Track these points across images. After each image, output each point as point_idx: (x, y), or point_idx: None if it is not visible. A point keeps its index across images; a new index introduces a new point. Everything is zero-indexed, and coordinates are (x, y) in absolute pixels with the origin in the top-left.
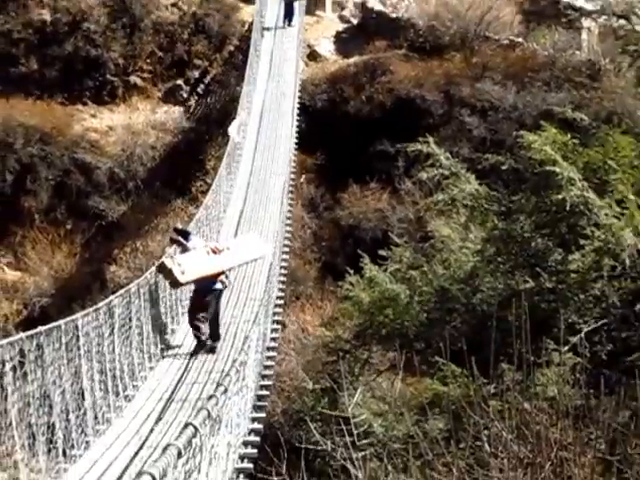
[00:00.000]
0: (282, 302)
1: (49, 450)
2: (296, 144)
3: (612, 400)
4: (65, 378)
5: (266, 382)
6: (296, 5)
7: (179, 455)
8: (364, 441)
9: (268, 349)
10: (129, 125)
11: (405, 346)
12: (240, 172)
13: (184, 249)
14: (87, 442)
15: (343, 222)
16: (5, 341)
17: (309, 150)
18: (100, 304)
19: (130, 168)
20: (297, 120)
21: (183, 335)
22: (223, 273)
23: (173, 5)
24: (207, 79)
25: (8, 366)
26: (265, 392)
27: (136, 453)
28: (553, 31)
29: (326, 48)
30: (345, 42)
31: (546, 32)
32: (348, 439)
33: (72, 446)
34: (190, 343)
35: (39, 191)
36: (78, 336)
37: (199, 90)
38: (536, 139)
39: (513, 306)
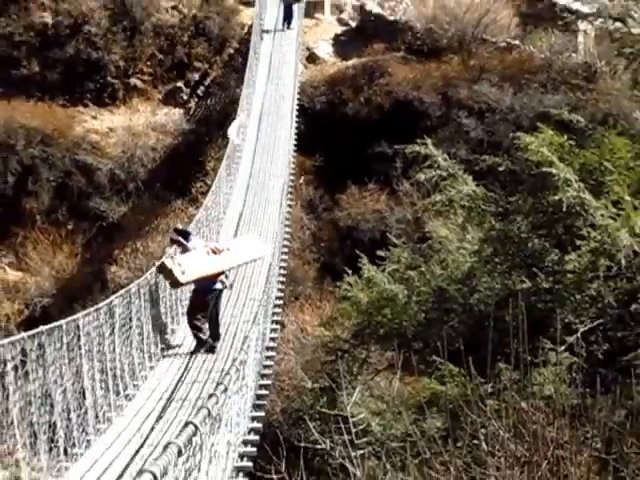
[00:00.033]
0: (281, 302)
1: (50, 449)
2: (295, 146)
3: (608, 399)
4: (66, 377)
5: (265, 381)
6: (295, 8)
7: (179, 453)
8: (362, 440)
9: (267, 349)
10: (130, 127)
11: (403, 346)
12: (240, 173)
13: (184, 249)
14: (88, 441)
15: (342, 223)
16: (7, 340)
17: (308, 152)
18: (101, 304)
19: (131, 169)
20: (296, 122)
21: (183, 335)
22: (223, 273)
23: (173, 8)
24: (207, 81)
25: (10, 365)
26: (264, 391)
27: (137, 452)
28: (550, 34)
29: (325, 51)
30: (344, 45)
31: (543, 35)
32: (347, 438)
33: (73, 445)
34: (190, 343)
35: (40, 192)
36: (79, 336)
37: (199, 92)
38: (533, 141)
39: (510, 306)
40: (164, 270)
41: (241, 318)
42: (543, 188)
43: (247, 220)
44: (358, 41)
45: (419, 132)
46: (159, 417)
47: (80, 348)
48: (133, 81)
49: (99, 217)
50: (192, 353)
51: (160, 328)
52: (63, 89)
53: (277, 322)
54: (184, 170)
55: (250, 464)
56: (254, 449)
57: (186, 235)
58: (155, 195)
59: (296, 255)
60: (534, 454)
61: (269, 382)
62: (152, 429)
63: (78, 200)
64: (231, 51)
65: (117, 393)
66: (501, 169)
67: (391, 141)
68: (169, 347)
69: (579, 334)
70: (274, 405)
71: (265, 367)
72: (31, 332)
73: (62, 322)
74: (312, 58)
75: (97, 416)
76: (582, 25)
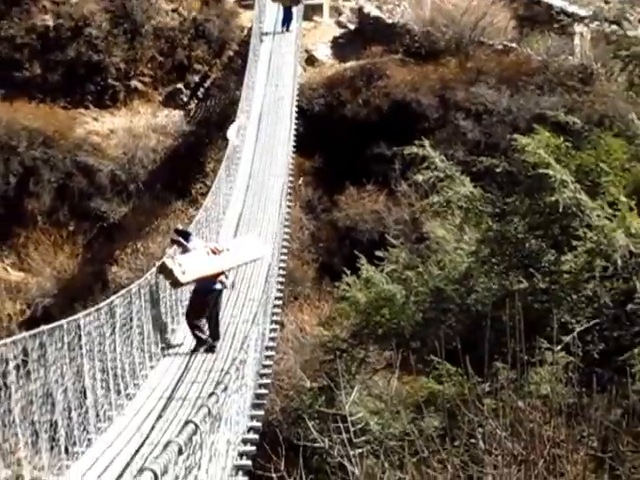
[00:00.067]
0: (280, 302)
1: (52, 447)
2: (294, 147)
3: (604, 398)
4: (67, 377)
5: (265, 380)
6: (294, 11)
7: (180, 452)
8: (361, 438)
9: (267, 348)
10: (130, 128)
11: (401, 345)
12: (239, 174)
13: (184, 250)
14: (89, 439)
15: (340, 224)
16: (9, 340)
17: (307, 153)
18: (102, 304)
19: (131, 170)
20: (295, 123)
21: (183, 334)
22: (223, 273)
23: (173, 11)
24: (207, 83)
25: (11, 365)
26: (264, 390)
27: (137, 450)
28: (546, 36)
29: (323, 53)
30: (342, 47)
31: (539, 37)
32: (345, 436)
33: (74, 443)
34: (190, 342)
35: (42, 193)
36: (80, 335)
37: (199, 94)
38: (529, 142)
39: (507, 306)
40: (165, 270)
41: (241, 318)
42: (540, 189)
43: (247, 221)
44: (356, 43)
45: (417, 134)
46: (159, 416)
47: (81, 348)
48: (134, 83)
49: (100, 218)
50: (192, 352)
51: (160, 328)
52: (64, 91)
53: (276, 322)
54: (184, 171)
55: (249, 462)
56: (253, 448)
57: (186, 236)
58: (155, 196)
59: (295, 255)
60: (531, 452)
61: (268, 381)
62: (152, 428)
63: (79, 201)
64: (231, 53)
65: (118, 392)
66: (498, 170)
67: (389, 142)
68: (169, 347)
69: (575, 334)
70: (273, 404)
71: (264, 366)
72: (32, 332)
73: (63, 322)
74: (311, 60)
75: (98, 415)
76: (578, 28)
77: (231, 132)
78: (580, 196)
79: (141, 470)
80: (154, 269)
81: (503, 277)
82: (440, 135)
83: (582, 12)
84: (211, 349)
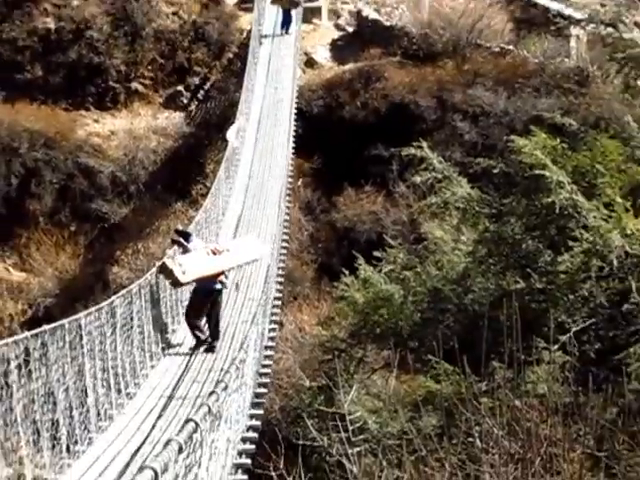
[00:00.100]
0: (280, 302)
1: (53, 446)
2: (293, 148)
3: (600, 397)
4: (69, 376)
5: (264, 380)
6: (293, 13)
7: (180, 450)
8: (359, 437)
9: (266, 348)
10: (131, 130)
11: (399, 345)
12: (239, 176)
13: (185, 250)
14: (90, 438)
15: (339, 224)
16: (10, 340)
17: (306, 154)
18: (102, 304)
19: (132, 172)
20: (294, 125)
21: (183, 334)
22: (223, 273)
23: (174, 14)
24: (207, 85)
25: (13, 364)
26: (263, 390)
27: (138, 449)
28: (543, 39)
29: (322, 55)
30: (341, 49)
31: (536, 40)
32: (344, 435)
33: (75, 442)
34: (190, 342)
35: (43, 194)
36: (81, 335)
37: (199, 96)
38: (526, 144)
39: (504, 306)
40: (165, 270)
41: (240, 318)
42: (536, 190)
43: (246, 221)
44: (355, 46)
45: (415, 135)
46: (160, 415)
47: (82, 347)
48: (134, 85)
49: (101, 219)
50: (191, 350)
51: (161, 327)
52: (66, 93)
53: (276, 322)
54: (184, 172)
55: (249, 461)
56: (253, 446)
57: (187, 236)
58: (156, 197)
59: (294, 256)
60: (528, 451)
61: (268, 380)
62: (153, 427)
63: (80, 202)
64: (230, 56)
65: (118, 391)
66: (495, 172)
67: (387, 144)
68: (170, 346)
69: (572, 333)
70: (273, 403)
71: (264, 366)
72: (34, 331)
73: (64, 322)
74: (310, 62)
75: (99, 414)
76: (574, 30)
77: (231, 134)
78: (576, 197)
79: (141, 468)
80: (154, 269)
81: (500, 277)
82: (438, 136)
83: (578, 15)
84: (211, 349)
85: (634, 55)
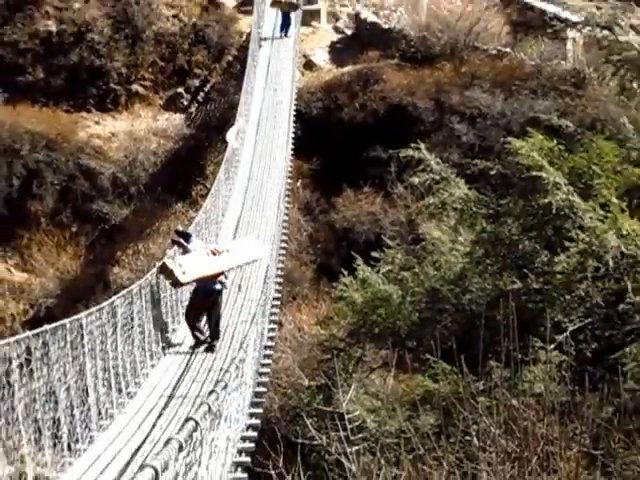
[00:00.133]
0: (279, 302)
1: (54, 444)
2: (292, 150)
3: (596, 396)
4: (70, 375)
5: (264, 379)
6: (292, 16)
7: (180, 449)
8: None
9: (265, 347)
10: (131, 132)
11: (397, 344)
12: (238, 177)
13: (185, 251)
14: (91, 437)
15: (338, 225)
16: (12, 339)
17: (305, 156)
18: (103, 304)
19: (132, 173)
20: (293, 127)
21: (183, 334)
22: (222, 274)
23: (174, 17)
24: (207, 87)
25: (15, 363)
26: (262, 389)
27: (138, 447)
28: (539, 41)
29: (321, 58)
30: (339, 52)
31: (533, 42)
32: (342, 434)
33: (77, 440)
34: (190, 341)
35: (45, 195)
36: (82, 335)
37: (199, 98)
38: (523, 145)
39: (501, 306)
40: (165, 270)
41: (240, 318)
42: (533, 191)
43: (245, 222)
44: (353, 48)
45: (413, 137)
46: (160, 414)
47: (83, 347)
48: (135, 87)
49: (102, 219)
50: (191, 349)
51: (161, 327)
52: (67, 95)
53: (275, 321)
54: (184, 174)
55: (248, 459)
56: (252, 445)
57: (187, 237)
58: (156, 198)
59: (293, 256)
60: (524, 450)
61: (267, 380)
62: (153, 425)
63: (81, 203)
64: (230, 58)
65: (119, 391)
66: (492, 173)
67: (385, 145)
68: (170, 346)
69: (568, 333)
70: (272, 402)
71: (263, 365)
72: (36, 331)
73: (66, 321)
74: (309, 65)
75: (100, 413)
76: (571, 33)
77: (230, 135)
78: (573, 198)
79: (142, 467)
80: (155, 270)
81: (497, 277)
82: (435, 138)
83: (574, 18)
84: (211, 348)
85: (630, 58)
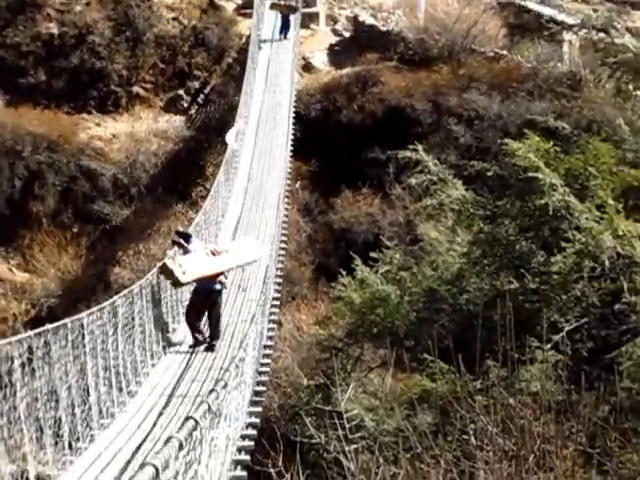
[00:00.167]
0: (278, 302)
1: (56, 443)
2: (291, 151)
3: (592, 395)
4: (71, 374)
5: (263, 378)
6: (292, 19)
7: (180, 447)
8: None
9: (265, 347)
10: (132, 133)
11: (395, 344)
12: (238, 178)
13: (185, 251)
14: (92, 435)
15: (336, 226)
16: (14, 339)
17: (304, 157)
18: (104, 304)
19: (133, 174)
20: (292, 128)
21: (184, 333)
22: (222, 274)
23: (174, 19)
24: (207, 89)
25: (17, 362)
26: (262, 388)
27: (139, 446)
28: (536, 44)
29: (320, 60)
30: (338, 54)
31: (529, 45)
32: (341, 433)
33: (78, 439)
34: (190, 340)
35: (46, 196)
36: (83, 334)
37: (199, 100)
38: (520, 147)
39: (498, 306)
40: (166, 270)
41: (240, 317)
42: (530, 192)
43: (245, 223)
44: (352, 51)
45: (411, 138)
46: (160, 413)
47: (84, 346)
48: (135, 89)
49: (103, 220)
50: (190, 348)
51: (162, 327)
52: (68, 97)
53: (274, 321)
54: (185, 175)
55: (248, 457)
56: (252, 443)
57: (187, 237)
58: (157, 199)
59: (292, 257)
60: (521, 448)
61: (266, 379)
62: (154, 424)
63: (83, 204)
64: (230, 60)
65: (120, 390)
66: (489, 174)
67: (384, 147)
68: (170, 345)
69: (564, 333)
70: (271, 401)
71: (263, 364)
72: (37, 330)
73: (67, 321)
74: (308, 67)
75: (101, 412)
76: (567, 35)
77: (230, 137)
78: (569, 199)
79: (143, 465)
80: (155, 270)
81: (494, 278)
82: (433, 140)
83: (571, 20)
84: (210, 347)
85: (626, 60)
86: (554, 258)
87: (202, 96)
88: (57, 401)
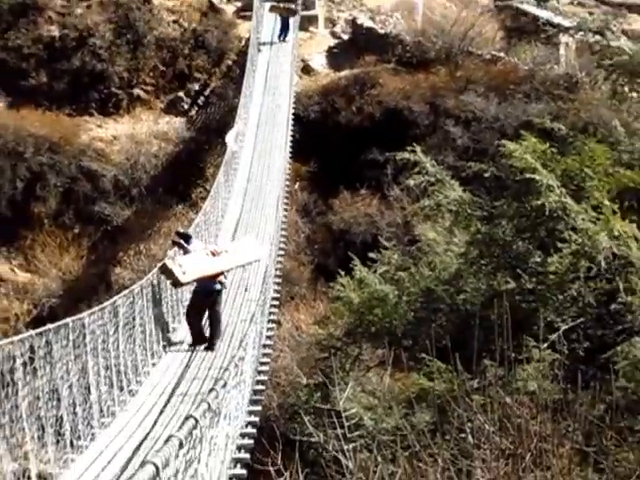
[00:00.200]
0: (277, 302)
1: (57, 441)
2: (290, 153)
3: (588, 394)
4: (72, 373)
5: (262, 377)
6: (291, 21)
7: (180, 446)
8: (355, 433)
9: (264, 346)
10: (133, 135)
11: (393, 343)
12: (237, 179)
13: (185, 251)
14: (93, 434)
15: (335, 226)
16: (16, 338)
17: (303, 158)
18: (105, 304)
19: (134, 175)
20: (291, 130)
21: (184, 333)
22: (222, 274)
23: (174, 22)
24: (207, 91)
25: (19, 362)
26: (261, 387)
27: (140, 444)
28: (533, 46)
29: (319, 62)
30: (337, 57)
31: (526, 47)
32: (340, 431)
33: (79, 437)
34: (190, 340)
35: (48, 197)
36: (85, 334)
37: (199, 102)
38: (517, 148)
39: (495, 306)
40: (166, 270)
41: (239, 317)
42: (527, 193)
43: (244, 224)
44: (350, 53)
45: (408, 140)
46: (161, 411)
47: (85, 345)
48: (136, 91)
49: (104, 221)
50: (190, 347)
51: (162, 326)
52: (69, 99)
53: (273, 321)
54: (185, 176)
55: (248, 456)
56: (251, 442)
57: (187, 238)
58: (157, 200)
59: (291, 257)
60: (518, 447)
61: (266, 378)
62: (154, 423)
63: (84, 205)
64: (229, 63)
65: (121, 388)
66: (486, 175)
67: (382, 148)
68: (171, 344)
69: (561, 332)
70: (271, 400)
71: (262, 364)
72: (39, 330)
73: (68, 321)
74: (307, 69)
75: (102, 410)
76: (563, 38)
77: (230, 138)
78: (565, 200)
79: (143, 463)
80: (156, 270)
81: (491, 278)
82: (431, 141)
83: (567, 23)
84: (210, 347)
85: (621, 62)
86: (551, 258)
87: (202, 98)
88: (58, 400)
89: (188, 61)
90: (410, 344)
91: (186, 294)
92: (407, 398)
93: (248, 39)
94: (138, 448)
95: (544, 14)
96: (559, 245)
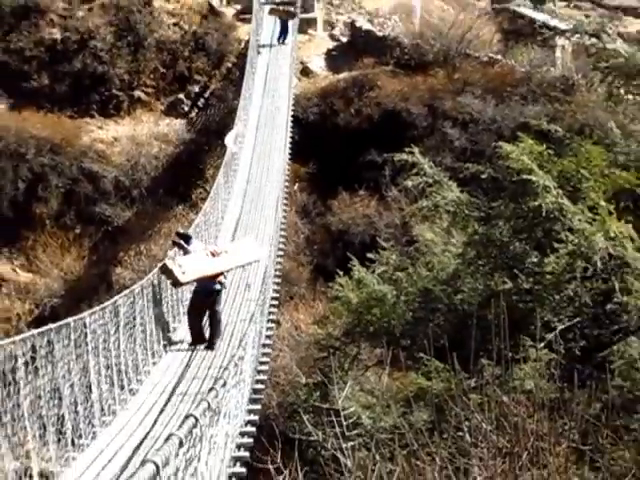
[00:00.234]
0: (277, 302)
1: (59, 440)
2: (289, 154)
3: (585, 393)
4: (74, 372)
5: (262, 377)
6: (290, 24)
7: (180, 444)
8: (353, 432)
9: (264, 346)
10: (133, 136)
11: (392, 343)
12: (237, 180)
13: (185, 252)
14: (94, 432)
15: (333, 227)
16: (18, 338)
17: (302, 160)
18: (106, 303)
19: (135, 177)
20: (290, 132)
21: (184, 333)
22: (222, 274)
23: (175, 24)
24: (207, 93)
25: (20, 361)
26: (261, 386)
27: (140, 443)
28: (529, 49)
29: (317, 64)
30: (335, 59)
31: (523, 50)
32: (338, 430)
33: (80, 436)
34: (190, 340)
35: (49, 198)
36: (86, 333)
37: (199, 104)
38: (514, 149)
39: (492, 305)
40: (166, 271)
41: (239, 317)
42: (523, 194)
43: (244, 224)
44: (349, 56)
45: (407, 141)
46: (161, 410)
47: (87, 345)
48: (137, 93)
49: (105, 222)
50: (190, 346)
51: (162, 326)
52: (71, 101)
53: (273, 321)
54: (185, 177)
55: (247, 454)
56: (251, 440)
57: (187, 239)
58: (158, 201)
59: (291, 257)
60: (515, 445)
61: (265, 377)
62: (155, 422)
63: (85, 206)
64: (229, 65)
65: (121, 387)
66: (484, 176)
67: (380, 150)
68: (171, 344)
69: (557, 332)
70: (270, 399)
71: (261, 363)
72: (41, 330)
73: (70, 320)
74: (306, 72)
75: (103, 409)
76: (560, 41)
77: (229, 140)
78: (562, 201)
79: (144, 462)
80: (156, 270)
81: (488, 278)
82: (429, 143)
83: (563, 26)
84: (210, 346)
85: (617, 65)
86: (547, 259)
87: (202, 100)
88: (60, 399)
89: (188, 63)
90: (408, 344)
91: (186, 294)
92: (405, 397)
93: (248, 42)
94: (139, 447)
95: (541, 17)
96: (556, 245)
